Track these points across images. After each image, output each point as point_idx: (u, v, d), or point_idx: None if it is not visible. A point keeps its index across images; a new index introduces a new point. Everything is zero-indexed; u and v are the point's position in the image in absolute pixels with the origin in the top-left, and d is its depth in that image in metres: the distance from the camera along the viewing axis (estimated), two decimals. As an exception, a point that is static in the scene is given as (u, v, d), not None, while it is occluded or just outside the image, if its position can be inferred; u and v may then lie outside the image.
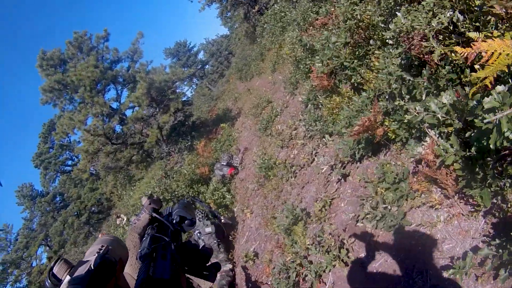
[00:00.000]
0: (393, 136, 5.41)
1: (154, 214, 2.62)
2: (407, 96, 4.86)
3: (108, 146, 21.18)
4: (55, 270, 1.93)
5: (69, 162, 43.70)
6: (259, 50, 24.00)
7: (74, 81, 20.19)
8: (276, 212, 8.33)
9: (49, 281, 1.93)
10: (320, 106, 8.68)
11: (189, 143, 21.30)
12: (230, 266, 8.47)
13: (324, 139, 7.95)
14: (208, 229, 9.23)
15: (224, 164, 13.52)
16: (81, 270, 1.67)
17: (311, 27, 9.88)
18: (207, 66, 55.41)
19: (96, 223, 38.33)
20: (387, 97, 5.46)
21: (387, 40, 5.42)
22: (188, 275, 2.59)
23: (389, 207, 5.14)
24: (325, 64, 7.09)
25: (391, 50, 5.07)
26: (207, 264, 2.71)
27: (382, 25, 5.95)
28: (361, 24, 6.49)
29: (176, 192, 13.20)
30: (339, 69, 7.10)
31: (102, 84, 22.02)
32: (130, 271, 2.42)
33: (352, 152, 6.40)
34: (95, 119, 20.06)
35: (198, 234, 9.05)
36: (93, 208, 38.15)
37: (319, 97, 8.48)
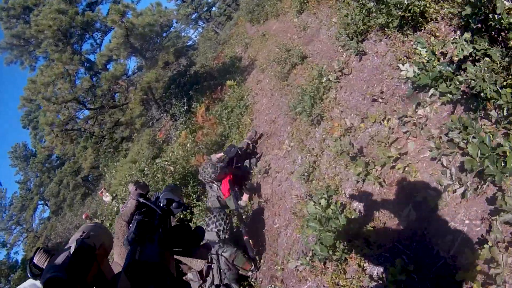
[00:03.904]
0: None
1: (141, 199, 2.50)
2: None
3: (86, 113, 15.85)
4: (35, 260, 1.84)
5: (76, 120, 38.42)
6: (275, -15, 17.70)
7: (34, 33, 14.37)
8: None
9: (30, 271, 1.83)
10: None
11: (185, 107, 15.45)
12: None
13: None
14: (226, 254, 5.57)
15: (218, 165, 7.38)
16: (61, 258, 1.65)
17: None
18: (213, 8, 48.11)
19: (96, 180, 33.75)
20: None
21: None
22: (178, 257, 2.50)
23: None
24: None
25: None
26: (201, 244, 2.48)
27: None
28: None
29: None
30: None
31: (77, 35, 16.03)
32: (120, 260, 2.49)
33: None
34: (60, 81, 14.06)
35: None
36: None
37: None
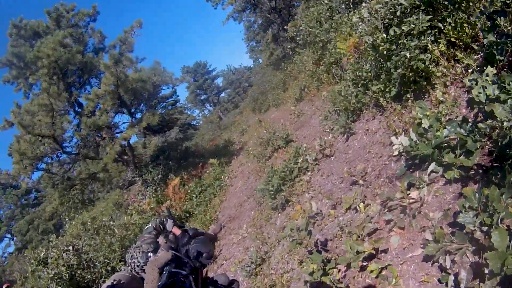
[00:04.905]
0: None
1: (173, 252, 2.54)
2: None
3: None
4: None
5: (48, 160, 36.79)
6: (283, 77, 17.57)
7: (32, 58, 13.55)
8: None
9: None
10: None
11: (159, 176, 14.18)
12: None
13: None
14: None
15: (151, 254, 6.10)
16: None
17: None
18: (222, 94, 48.93)
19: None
20: None
21: None
22: None
23: None
24: None
25: None
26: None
27: None
28: None
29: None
30: None
31: (75, 75, 15.53)
32: None
33: None
34: (42, 113, 13.05)
35: None
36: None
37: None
